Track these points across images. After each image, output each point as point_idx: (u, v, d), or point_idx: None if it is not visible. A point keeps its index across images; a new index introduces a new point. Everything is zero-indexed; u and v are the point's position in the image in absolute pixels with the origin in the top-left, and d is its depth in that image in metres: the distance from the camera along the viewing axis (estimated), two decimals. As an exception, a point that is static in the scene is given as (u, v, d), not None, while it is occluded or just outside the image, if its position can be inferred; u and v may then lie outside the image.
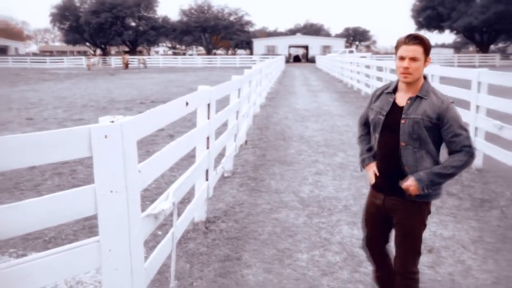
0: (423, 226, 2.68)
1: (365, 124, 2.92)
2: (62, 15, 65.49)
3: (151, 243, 4.08)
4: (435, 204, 5.12)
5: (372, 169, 2.76)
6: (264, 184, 6.00)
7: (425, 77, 2.58)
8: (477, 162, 6.46)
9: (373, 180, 2.76)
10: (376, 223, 2.84)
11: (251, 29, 76.57)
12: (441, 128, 2.47)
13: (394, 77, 11.74)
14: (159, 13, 76.30)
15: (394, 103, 2.59)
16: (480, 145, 6.28)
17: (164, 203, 2.89)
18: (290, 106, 14.24)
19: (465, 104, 6.68)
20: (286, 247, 4.11)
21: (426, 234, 4.30)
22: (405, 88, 2.57)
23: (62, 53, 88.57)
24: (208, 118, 4.33)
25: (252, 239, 4.29)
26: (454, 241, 4.20)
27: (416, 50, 2.42)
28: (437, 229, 4.45)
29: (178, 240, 4.23)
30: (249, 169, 6.76)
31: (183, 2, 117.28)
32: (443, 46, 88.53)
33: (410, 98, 2.53)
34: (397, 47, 2.50)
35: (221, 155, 6.42)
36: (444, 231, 4.41)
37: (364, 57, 39.05)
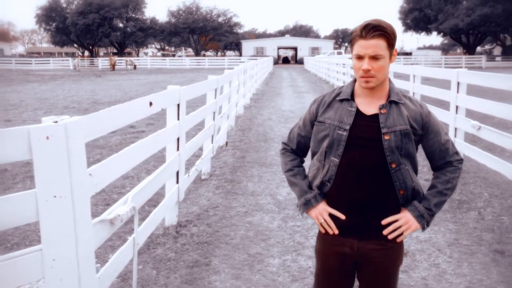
0: (401, 263, 2.11)
1: (298, 149, 2.17)
2: (48, 16, 64.71)
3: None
4: (412, 206, 5.04)
5: (327, 210, 1.99)
6: (241, 186, 5.87)
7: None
8: (457, 163, 6.39)
9: (333, 227, 1.98)
10: (341, 283, 2.09)
11: (240, 31, 76.53)
12: (425, 139, 1.96)
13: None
14: (147, 14, 75.95)
15: (359, 112, 1.93)
16: (460, 146, 6.22)
17: (120, 208, 2.75)
18: (275, 107, 14.14)
19: (446, 105, 6.64)
20: (258, 252, 3.99)
21: (401, 237, 4.21)
22: (367, 92, 1.93)
23: (50, 54, 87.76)
24: (178, 119, 4.19)
25: (224, 243, 4.16)
26: (430, 244, 4.12)
27: (377, 45, 1.79)
28: (413, 232, 4.35)
29: (147, 245, 4.10)
30: (227, 171, 6.62)
31: (171, 3, 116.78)
32: (430, 47, 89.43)
33: (383, 105, 1.91)
34: (352, 42, 1.87)
35: (198, 156, 6.29)
36: (421, 234, 4.32)
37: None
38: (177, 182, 4.33)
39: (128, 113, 2.94)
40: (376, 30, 1.79)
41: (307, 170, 2.15)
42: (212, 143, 6.31)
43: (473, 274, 3.56)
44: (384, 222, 1.93)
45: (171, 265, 3.74)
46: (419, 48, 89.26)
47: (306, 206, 2.04)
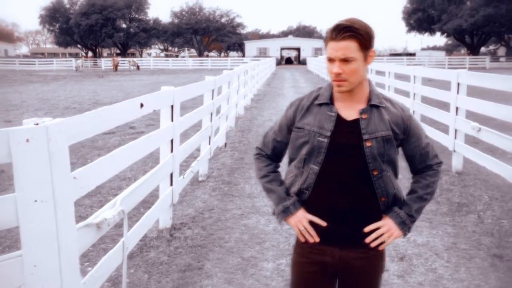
0: (383, 271, 2.03)
1: (273, 154, 2.05)
2: (52, 17, 64.93)
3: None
4: (411, 209, 4.96)
5: (307, 218, 1.89)
6: (238, 188, 5.81)
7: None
8: (457, 165, 6.32)
9: (313, 234, 1.89)
10: None
11: (243, 31, 76.48)
12: (406, 143, 1.89)
13: (381, 79, 11.63)
14: (150, 15, 75.87)
15: (339, 118, 1.83)
16: (460, 147, 6.14)
17: (107, 212, 2.70)
18: (276, 108, 14.07)
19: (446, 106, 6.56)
20: (252, 256, 3.93)
21: (398, 241, 4.15)
22: (346, 96, 1.83)
23: (54, 55, 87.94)
24: (172, 120, 4.14)
25: (218, 247, 4.10)
26: (428, 248, 4.04)
27: (347, 47, 1.70)
28: (411, 236, 4.28)
29: (140, 248, 4.04)
30: (225, 172, 6.57)
31: (174, 4, 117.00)
32: (434, 48, 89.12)
33: (364, 110, 1.82)
34: (325, 44, 1.79)
35: (197, 158, 6.23)
36: (418, 238, 4.25)
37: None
38: (171, 184, 4.27)
39: (117, 114, 2.89)
40: (347, 31, 1.70)
41: (283, 176, 2.06)
42: (209, 144, 6.25)
43: (470, 279, 3.48)
44: (366, 229, 1.86)
45: (163, 269, 3.68)
46: (422, 49, 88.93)
47: (285, 213, 1.94)
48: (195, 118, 5.15)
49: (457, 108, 6.12)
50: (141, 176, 6.22)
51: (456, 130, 6.20)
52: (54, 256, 2.13)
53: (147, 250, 4.03)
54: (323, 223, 1.87)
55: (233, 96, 9.78)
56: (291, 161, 1.98)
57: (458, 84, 6.05)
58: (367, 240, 1.86)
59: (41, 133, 2.03)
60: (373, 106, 1.84)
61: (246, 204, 5.22)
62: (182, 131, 4.63)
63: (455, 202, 5.19)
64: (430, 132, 7.41)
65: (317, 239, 1.89)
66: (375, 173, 1.81)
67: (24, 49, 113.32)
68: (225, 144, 8.37)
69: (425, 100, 8.32)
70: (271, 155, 2.06)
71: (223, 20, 72.51)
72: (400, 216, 1.89)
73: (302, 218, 1.90)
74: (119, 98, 17.50)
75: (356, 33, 1.70)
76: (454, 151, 6.29)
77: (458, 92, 6.07)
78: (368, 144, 1.79)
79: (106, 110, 2.69)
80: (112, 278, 3.49)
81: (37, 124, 2.06)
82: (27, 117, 12.17)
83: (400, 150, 1.95)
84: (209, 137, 6.23)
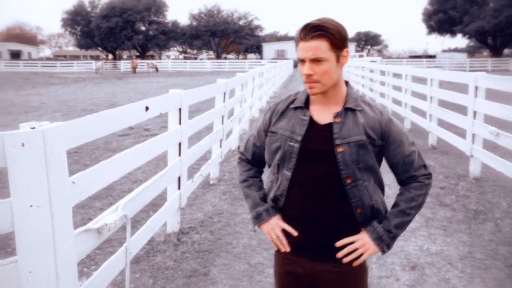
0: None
1: (253, 160, 1.99)
2: (74, 20, 66.13)
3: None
4: (425, 215, 4.83)
5: (280, 226, 1.81)
6: (248, 192, 5.73)
7: (346, 82, 1.81)
8: (475, 170, 6.13)
9: (284, 244, 1.80)
10: None
11: (261, 34, 76.51)
12: (386, 149, 1.76)
13: (397, 82, 11.42)
14: (169, 17, 76.63)
15: (312, 122, 1.75)
16: (478, 153, 5.95)
17: (108, 217, 2.66)
18: (292, 111, 13.96)
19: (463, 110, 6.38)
20: (259, 262, 3.85)
21: (411, 249, 4.03)
22: (321, 98, 1.75)
23: (75, 57, 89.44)
24: (180, 124, 4.10)
25: (225, 252, 4.04)
26: (441, 257, 3.90)
27: (318, 47, 1.62)
28: (424, 243, 4.15)
29: (147, 253, 4.01)
30: (236, 176, 6.47)
31: (192, 6, 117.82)
32: (456, 50, 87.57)
33: (338, 113, 1.72)
34: (296, 45, 1.71)
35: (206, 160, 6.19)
36: (432, 246, 4.11)
37: (374, 61, 38.63)
38: (179, 188, 4.23)
39: (120, 118, 2.85)
40: (316, 30, 1.62)
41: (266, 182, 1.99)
42: (220, 147, 6.20)
43: (485, 291, 3.34)
44: (338, 244, 1.74)
45: (169, 274, 3.64)
46: (443, 51, 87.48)
47: (257, 220, 1.87)
48: (205, 121, 5.11)
49: (474, 112, 5.94)
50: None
51: (473, 135, 6.02)
52: (50, 262, 2.10)
53: (153, 254, 3.99)
54: (294, 232, 1.78)
55: (247, 99, 9.73)
56: (269, 166, 1.91)
57: (476, 87, 5.87)
58: (339, 254, 1.74)
59: (37, 137, 2.00)
60: (349, 109, 1.73)
61: (256, 208, 5.14)
62: (191, 134, 4.59)
63: (472, 209, 5.02)
64: (447, 137, 7.23)
65: (288, 249, 1.81)
66: (348, 181, 1.70)
67: (47, 52, 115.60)
68: (238, 147, 8.32)
69: (443, 103, 8.12)
70: (252, 160, 2.01)
71: (241, 22, 72.71)
72: (377, 231, 1.75)
73: (274, 225, 1.82)
74: (136, 99, 17.59)
75: (326, 32, 1.62)
76: (472, 156, 6.10)
77: (476, 96, 5.89)
78: (340, 149, 1.69)
79: (107, 113, 2.66)
80: (117, 283, 3.46)
81: (33, 128, 2.03)
82: (44, 119, 12.36)
83: None
84: (220, 140, 6.18)
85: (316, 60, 1.64)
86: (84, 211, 5.12)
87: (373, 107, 1.77)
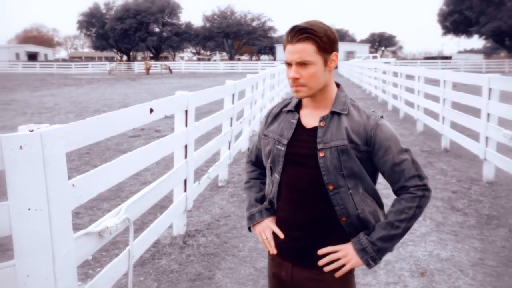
0: None
1: (257, 162, 1.99)
2: (89, 22, 66.95)
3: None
4: (435, 220, 4.73)
5: (270, 228, 1.81)
6: (256, 194, 5.69)
7: (338, 85, 1.77)
8: (488, 174, 5.99)
9: (272, 246, 1.80)
10: None
11: (275, 35, 76.45)
12: (375, 156, 1.67)
13: (410, 83, 11.28)
14: (183, 19, 77.16)
15: (300, 125, 1.73)
16: (492, 156, 5.81)
17: (110, 220, 2.64)
18: (303, 112, 13.89)
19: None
20: (265, 266, 3.80)
21: (420, 254, 3.94)
22: (311, 102, 1.73)
23: (91, 59, 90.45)
24: (186, 126, 4.08)
25: (230, 255, 4.00)
26: (452, 263, 3.81)
27: (304, 50, 1.59)
28: (434, 249, 4.05)
29: (152, 255, 3.99)
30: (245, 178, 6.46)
31: (206, 7, 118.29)
32: (472, 51, 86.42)
33: (324, 117, 1.68)
34: (284, 48, 1.68)
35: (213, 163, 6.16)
36: (442, 252, 4.01)
37: (388, 63, 38.30)
38: (185, 190, 4.20)
39: (123, 120, 2.83)
40: (303, 32, 1.59)
41: None
42: (229, 149, 6.17)
43: (496, 300, 3.25)
44: (320, 252, 1.69)
45: (173, 278, 3.61)
46: (459, 52, 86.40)
47: (250, 220, 1.89)
48: (212, 123, 5.08)
49: (488, 115, 5.81)
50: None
51: (487, 138, 5.88)
52: (48, 266, 2.08)
53: (159, 257, 3.97)
54: (281, 235, 1.78)
55: (258, 100, 9.69)
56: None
57: (490, 89, 5.74)
58: (320, 262, 1.69)
59: (35, 140, 1.98)
60: (334, 113, 1.69)
61: (263, 211, 5.10)
62: (198, 136, 4.56)
63: (484, 214, 4.90)
64: (460, 139, 7.09)
65: (274, 251, 1.82)
66: (330, 187, 1.65)
67: (63, 53, 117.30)
68: (248, 149, 8.28)
69: (457, 106, 7.97)
70: (255, 162, 2.02)
71: (254, 23, 72.80)
72: (361, 242, 1.66)
73: (265, 227, 1.84)
74: (148, 100, 17.69)
75: (313, 35, 1.59)
76: (485, 159, 5.97)
77: (489, 98, 5.76)
78: (321, 154, 1.65)
79: (109, 115, 2.64)
80: (121, 286, 3.44)
81: (31, 130, 2.01)
82: (57, 120, 12.50)
83: None
84: (229, 142, 6.15)
85: (302, 64, 1.62)
86: (93, 213, 5.14)
87: (360, 111, 1.70)
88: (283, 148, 1.73)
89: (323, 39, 1.60)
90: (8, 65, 55.97)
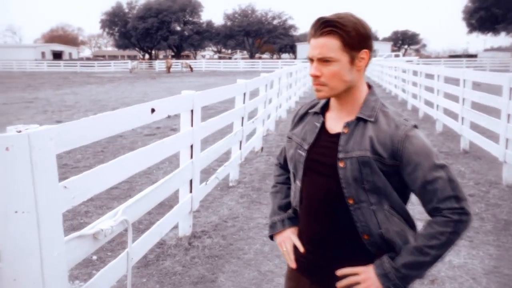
0: None
1: (285, 165, 1.83)
2: (112, 21, 67.94)
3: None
4: (450, 225, 4.54)
5: (290, 239, 1.68)
6: (266, 195, 5.61)
7: (370, 86, 1.58)
8: (508, 177, 5.76)
9: (292, 259, 1.68)
10: None
11: (295, 33, 76.11)
12: (403, 172, 1.46)
13: (429, 83, 10.99)
14: (204, 17, 77.56)
15: (323, 130, 1.58)
16: (512, 158, 5.59)
17: (105, 222, 2.59)
18: (320, 112, 13.71)
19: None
20: (270, 270, 3.72)
21: (431, 261, 3.78)
22: (336, 105, 1.56)
23: (114, 57, 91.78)
24: (192, 126, 4.02)
25: (235, 258, 3.93)
26: (464, 271, 3.65)
27: (325, 45, 1.42)
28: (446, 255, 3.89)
29: (157, 257, 3.96)
30: (256, 178, 6.39)
31: (227, 6, 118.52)
32: (499, 49, 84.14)
33: (348, 123, 1.51)
34: (308, 41, 1.52)
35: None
36: (455, 258, 3.86)
37: (410, 61, 37.62)
38: (191, 191, 4.15)
39: (119, 121, 2.79)
40: (327, 25, 1.42)
41: None
42: (240, 149, 6.10)
43: (509, 311, 3.09)
44: (339, 272, 1.54)
45: (176, 280, 3.56)
46: (486, 50, 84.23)
47: (272, 229, 1.77)
48: (220, 123, 5.01)
49: (508, 116, 5.58)
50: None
51: (507, 139, 5.65)
52: (36, 269, 2.04)
53: (163, 258, 3.93)
54: (301, 248, 1.65)
55: (273, 99, 9.59)
56: None
57: (511, 89, 5.51)
58: (338, 284, 1.55)
59: (23, 141, 1.94)
60: (360, 119, 1.50)
61: (272, 213, 5.01)
62: (205, 136, 4.50)
63: (502, 219, 4.70)
64: (480, 141, 6.84)
65: (294, 265, 1.69)
66: (351, 201, 1.48)
67: (87, 52, 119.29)
68: (262, 149, 8.20)
69: (474, 106, 7.72)
70: (284, 165, 1.87)
71: (275, 22, 72.62)
72: (383, 267, 1.48)
73: (286, 238, 1.71)
74: (166, 99, 17.83)
75: (338, 28, 1.41)
76: (505, 162, 5.74)
77: (510, 98, 5.53)
78: (341, 164, 1.48)
79: (105, 116, 2.59)
80: (124, 286, 3.41)
81: (19, 131, 1.98)
82: (76, 118, 12.63)
83: None
84: (240, 142, 6.07)
85: (323, 60, 1.44)
86: (102, 211, 5.14)
87: (390, 119, 1.48)
88: (304, 154, 1.59)
89: (350, 34, 1.41)
90: (34, 64, 57.22)
